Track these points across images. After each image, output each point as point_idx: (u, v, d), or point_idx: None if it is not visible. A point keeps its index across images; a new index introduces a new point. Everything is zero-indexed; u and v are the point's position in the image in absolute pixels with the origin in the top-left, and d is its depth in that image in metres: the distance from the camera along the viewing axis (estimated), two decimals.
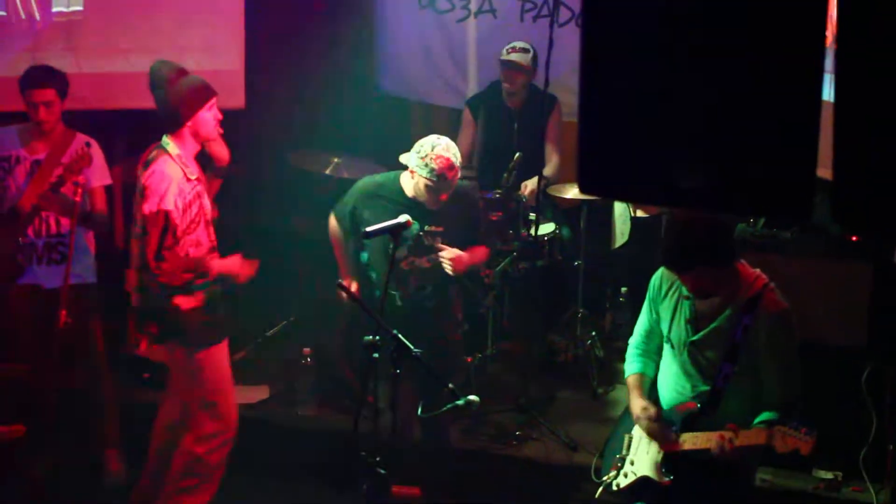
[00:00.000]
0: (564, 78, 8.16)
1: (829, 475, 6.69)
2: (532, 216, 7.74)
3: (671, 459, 5.41)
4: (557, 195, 8.10)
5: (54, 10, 8.31)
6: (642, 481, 5.51)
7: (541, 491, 7.15)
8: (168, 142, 6.04)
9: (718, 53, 2.48)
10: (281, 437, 7.58)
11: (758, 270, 5.34)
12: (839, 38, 2.41)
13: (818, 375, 6.04)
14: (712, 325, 5.30)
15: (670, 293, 5.49)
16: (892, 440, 6.58)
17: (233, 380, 6.43)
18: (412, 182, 6.26)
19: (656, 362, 5.72)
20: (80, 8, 8.34)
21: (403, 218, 5.74)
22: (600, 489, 5.70)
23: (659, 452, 5.45)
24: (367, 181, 6.58)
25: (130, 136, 8.29)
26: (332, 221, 6.68)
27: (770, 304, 5.22)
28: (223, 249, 6.38)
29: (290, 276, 8.59)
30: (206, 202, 6.16)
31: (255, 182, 9.61)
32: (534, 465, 7.23)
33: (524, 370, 7.77)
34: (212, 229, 6.23)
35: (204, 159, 6.51)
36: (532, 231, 7.71)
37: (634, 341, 5.77)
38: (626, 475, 5.58)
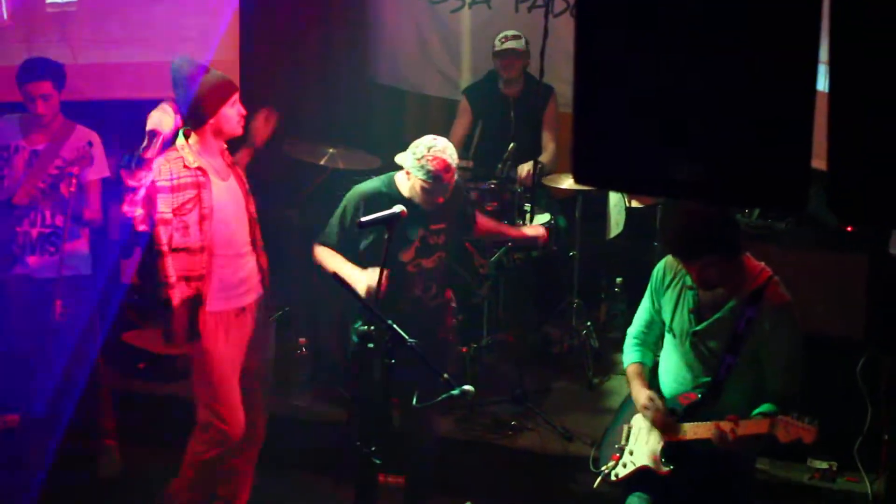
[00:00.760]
0: (559, 68, 8.15)
1: (825, 465, 6.70)
2: (527, 207, 7.74)
3: (671, 449, 5.41)
4: (552, 185, 8.10)
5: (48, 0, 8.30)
6: (641, 471, 5.51)
7: (536, 481, 7.16)
8: (181, 136, 6.03)
9: (713, 43, 2.48)
10: (276, 427, 7.57)
11: (762, 263, 5.34)
12: (833, 28, 2.41)
13: (813, 366, 6.03)
14: (716, 316, 5.30)
15: (674, 283, 5.49)
16: (886, 430, 6.59)
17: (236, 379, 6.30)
18: (408, 183, 6.10)
19: (655, 353, 5.72)
20: None
21: (398, 208, 5.72)
22: (599, 479, 5.70)
23: (658, 442, 5.45)
24: (362, 187, 6.25)
25: (125, 126, 8.27)
26: (318, 249, 6.28)
27: (774, 297, 5.22)
28: None
29: (285, 266, 8.57)
30: (209, 200, 6.09)
31: (250, 172, 9.58)
32: (529, 455, 7.24)
33: (519, 360, 7.78)
34: (206, 225, 6.10)
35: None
36: (527, 221, 7.71)
37: (633, 331, 5.77)
38: (624, 465, 5.58)
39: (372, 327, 5.51)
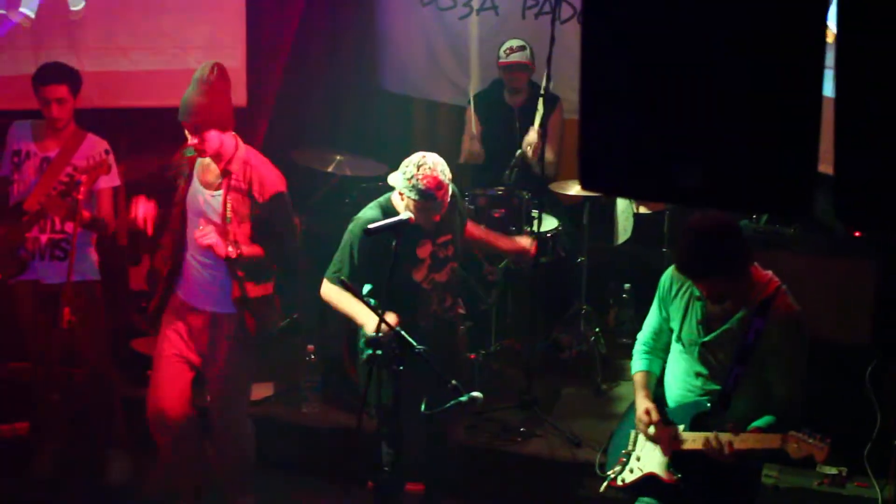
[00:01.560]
0: (566, 75, 8.15)
1: (834, 471, 6.68)
2: (535, 213, 7.74)
3: (679, 457, 5.40)
4: (560, 191, 8.10)
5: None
6: (648, 478, 5.50)
7: (545, 487, 7.15)
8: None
9: (719, 50, 2.48)
10: (285, 434, 7.58)
11: (770, 272, 5.32)
12: (839, 33, 2.41)
13: (822, 372, 6.03)
14: (724, 327, 5.29)
15: (681, 293, 5.47)
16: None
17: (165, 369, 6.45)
18: (403, 203, 5.94)
19: (663, 360, 5.71)
20: (82, 6, 8.34)
21: (405, 215, 5.71)
22: (605, 483, 5.69)
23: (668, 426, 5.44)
24: (362, 217, 6.05)
25: (132, 134, 8.29)
26: (327, 287, 6.14)
27: (782, 307, 5.21)
28: None
29: (293, 273, 8.58)
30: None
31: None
32: (538, 461, 7.23)
33: (528, 367, 7.77)
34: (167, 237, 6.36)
35: None
36: (535, 228, 7.71)
37: (642, 338, 5.76)
38: (631, 471, 5.57)
39: (380, 334, 5.50)
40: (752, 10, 2.45)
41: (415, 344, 5.40)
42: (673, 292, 5.51)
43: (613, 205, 8.76)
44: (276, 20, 9.21)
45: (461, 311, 6.50)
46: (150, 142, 7.10)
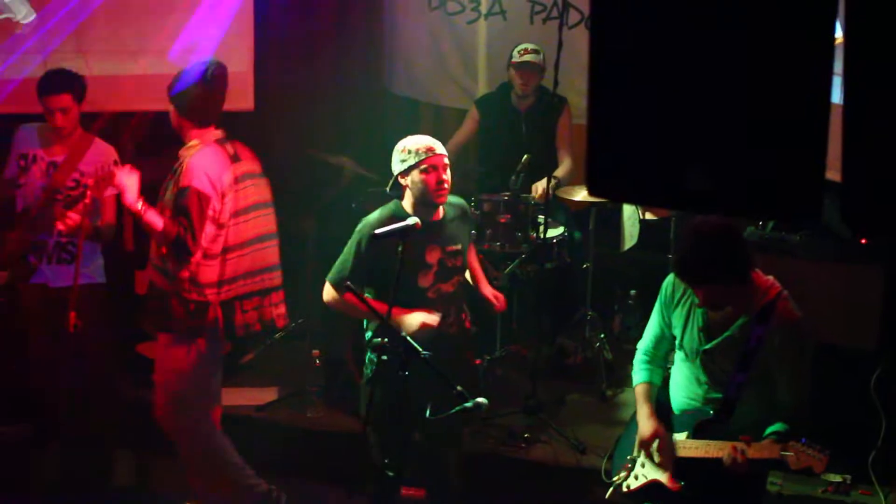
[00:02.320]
0: (573, 80, 8.15)
1: (838, 478, 6.67)
2: (540, 219, 7.73)
3: (683, 465, 5.39)
4: (566, 197, 8.10)
5: (62, 11, 8.32)
6: (653, 485, 5.49)
7: (549, 493, 7.15)
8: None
9: (727, 56, 2.48)
10: (289, 439, 7.59)
11: (771, 278, 5.29)
12: (846, 39, 2.41)
13: (828, 378, 6.03)
14: (725, 334, 5.27)
15: (683, 300, 5.45)
16: None
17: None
18: (410, 199, 5.94)
19: (664, 368, 5.70)
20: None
21: (412, 220, 5.69)
22: (610, 490, 5.69)
23: (670, 446, 5.43)
24: (370, 218, 6.02)
25: (139, 138, 8.29)
26: (329, 289, 6.09)
27: (784, 314, 5.20)
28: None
29: (299, 277, 8.59)
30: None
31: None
32: (542, 467, 7.23)
33: (533, 372, 7.76)
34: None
35: None
36: (541, 233, 7.70)
37: (643, 347, 5.74)
38: (636, 477, 5.56)
39: (386, 339, 5.50)
40: (760, 18, 2.45)
41: (420, 350, 5.41)
42: (675, 299, 5.50)
43: (619, 211, 8.76)
44: (283, 23, 9.23)
45: (469, 325, 6.40)
46: (158, 146, 7.08)
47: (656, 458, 5.44)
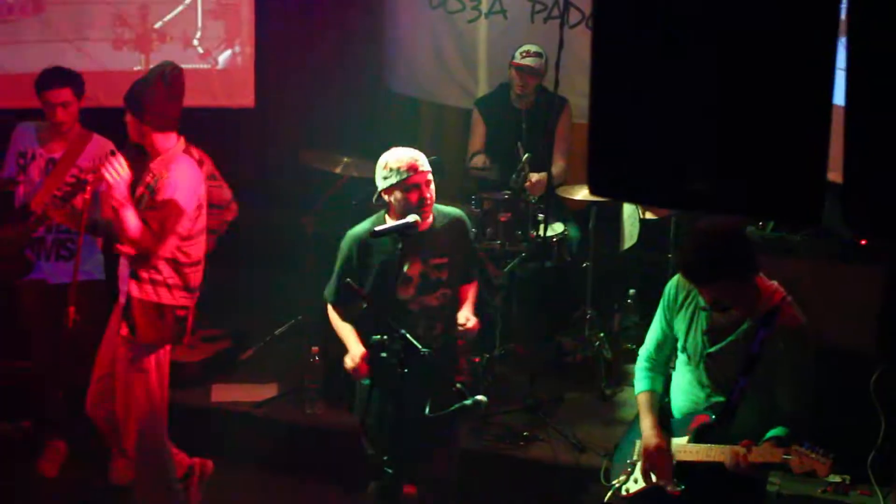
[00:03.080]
0: (574, 80, 8.14)
1: (837, 479, 6.67)
2: (540, 217, 7.73)
3: (683, 469, 5.38)
4: (566, 196, 8.10)
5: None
6: (652, 489, 5.48)
7: (548, 492, 7.15)
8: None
9: (729, 56, 2.48)
10: (288, 436, 7.59)
11: (776, 283, 5.28)
12: (849, 40, 2.41)
13: (827, 379, 6.02)
14: (729, 339, 5.26)
15: (686, 303, 5.43)
16: None
17: None
18: (395, 214, 5.86)
19: (666, 374, 5.68)
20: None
21: (412, 218, 5.67)
22: (609, 493, 5.68)
23: (671, 461, 5.42)
24: (353, 231, 5.99)
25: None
26: (330, 310, 6.12)
27: (788, 319, 5.19)
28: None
29: (299, 274, 8.60)
30: None
31: (264, 180, 9.62)
32: (541, 466, 7.23)
33: (532, 371, 7.76)
34: None
35: None
36: (541, 232, 7.70)
37: (645, 353, 5.71)
38: (636, 481, 5.55)
39: (385, 337, 5.49)
40: (763, 17, 2.45)
41: (420, 347, 5.41)
42: (678, 302, 5.48)
43: (620, 210, 8.75)
44: (284, 20, 9.23)
45: (461, 342, 6.27)
46: None
47: (657, 472, 5.43)
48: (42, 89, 6.91)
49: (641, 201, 7.18)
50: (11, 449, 7.44)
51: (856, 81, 2.42)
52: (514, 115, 8.43)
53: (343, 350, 5.95)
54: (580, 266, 8.30)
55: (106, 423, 6.54)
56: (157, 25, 8.61)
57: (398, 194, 5.81)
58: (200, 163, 6.40)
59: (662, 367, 5.66)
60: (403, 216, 5.81)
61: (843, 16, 2.43)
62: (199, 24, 8.66)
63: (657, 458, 5.42)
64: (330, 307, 6.10)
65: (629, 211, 8.73)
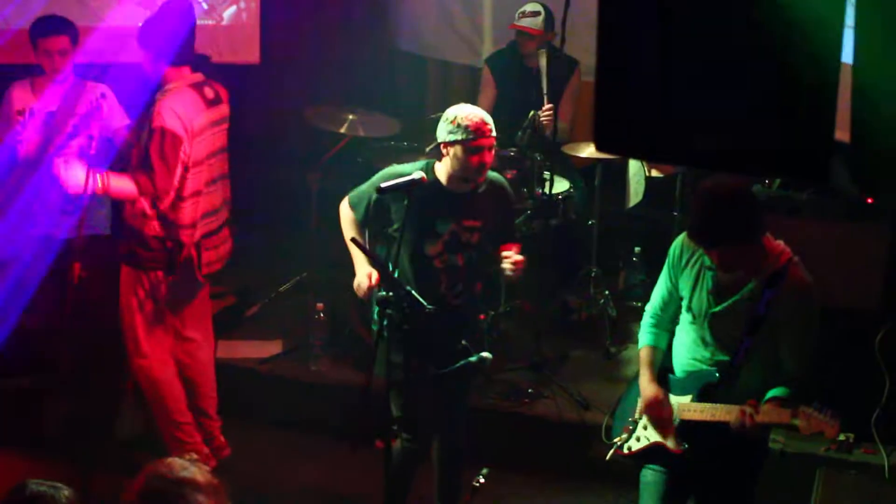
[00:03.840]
0: (581, 37, 8.10)
1: (842, 437, 6.67)
2: (546, 175, 7.71)
3: (686, 428, 5.38)
4: (572, 153, 8.08)
5: None
6: (654, 447, 5.49)
7: (552, 449, 7.18)
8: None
9: (738, 12, 2.47)
10: (293, 392, 7.61)
11: (781, 243, 5.24)
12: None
13: (832, 337, 6.02)
14: (735, 298, 5.23)
15: (692, 262, 5.40)
16: None
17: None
18: (446, 167, 5.81)
19: (671, 331, 5.66)
20: None
21: (418, 175, 5.64)
22: (611, 451, 5.68)
23: (674, 420, 5.42)
24: (399, 167, 5.97)
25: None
26: (345, 209, 6.08)
27: (795, 280, 5.16)
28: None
29: (304, 231, 8.59)
30: None
31: (270, 137, 9.60)
32: (545, 423, 7.25)
33: (537, 328, 7.77)
34: None
35: None
36: (546, 189, 7.69)
37: (650, 309, 5.69)
38: (637, 439, 5.55)
39: (391, 293, 5.48)
40: None
41: (425, 303, 5.40)
42: (683, 261, 5.45)
43: (625, 167, 8.74)
44: None
45: (482, 316, 6.32)
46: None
47: (657, 425, 5.44)
48: (39, 36, 6.90)
49: (648, 159, 7.17)
50: (18, 402, 7.45)
51: (863, 39, 2.41)
52: (525, 73, 8.40)
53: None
54: (585, 224, 8.29)
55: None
56: None
57: (459, 151, 5.74)
58: (215, 101, 6.37)
59: (668, 324, 5.64)
60: (456, 173, 5.80)
61: None
62: None
63: (657, 410, 5.42)
64: (347, 213, 6.06)
65: (635, 168, 8.71)
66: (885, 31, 2.39)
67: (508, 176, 7.59)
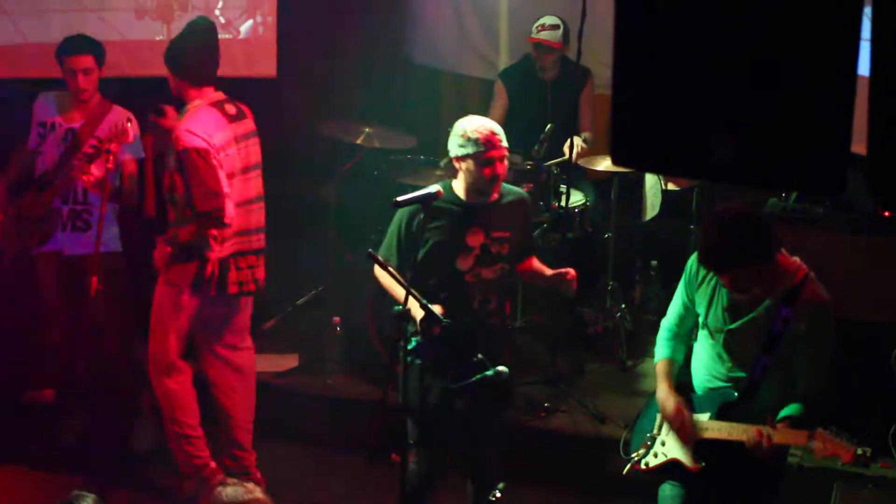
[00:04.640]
0: (597, 50, 8.09)
1: (858, 451, 6.65)
2: (563, 188, 7.71)
3: (704, 446, 5.36)
4: (589, 167, 8.08)
5: None
6: (672, 464, 5.47)
7: (568, 463, 7.16)
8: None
9: (754, 26, 2.46)
10: (310, 406, 7.61)
11: (797, 259, 5.22)
12: (875, 10, 2.39)
13: (849, 351, 6.00)
14: (750, 315, 5.21)
15: (707, 279, 5.37)
16: None
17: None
18: (462, 182, 5.81)
19: (687, 345, 5.65)
20: None
21: (434, 187, 5.61)
22: (628, 466, 5.67)
23: (692, 422, 5.40)
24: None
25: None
26: (378, 271, 5.80)
27: (810, 296, 5.14)
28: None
29: (320, 245, 8.60)
30: None
31: (286, 151, 9.62)
32: (562, 436, 7.24)
33: (553, 342, 7.77)
34: None
35: None
36: (562, 203, 7.68)
37: (667, 323, 5.69)
38: (655, 455, 5.53)
39: (408, 307, 5.47)
40: None
41: (440, 317, 5.39)
42: (699, 278, 5.43)
43: (642, 181, 8.73)
44: None
45: (508, 323, 6.24)
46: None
47: (679, 436, 5.41)
48: (64, 56, 6.92)
49: (664, 172, 7.16)
50: (35, 417, 7.47)
51: (880, 52, 2.40)
52: (540, 86, 8.40)
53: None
54: (602, 237, 8.28)
55: None
56: None
57: (471, 164, 5.73)
58: (237, 116, 6.38)
59: (684, 338, 5.63)
60: (472, 187, 5.79)
61: None
62: None
63: (679, 419, 5.38)
64: (378, 270, 5.79)
65: (651, 182, 8.70)
66: None
67: (525, 189, 7.61)
